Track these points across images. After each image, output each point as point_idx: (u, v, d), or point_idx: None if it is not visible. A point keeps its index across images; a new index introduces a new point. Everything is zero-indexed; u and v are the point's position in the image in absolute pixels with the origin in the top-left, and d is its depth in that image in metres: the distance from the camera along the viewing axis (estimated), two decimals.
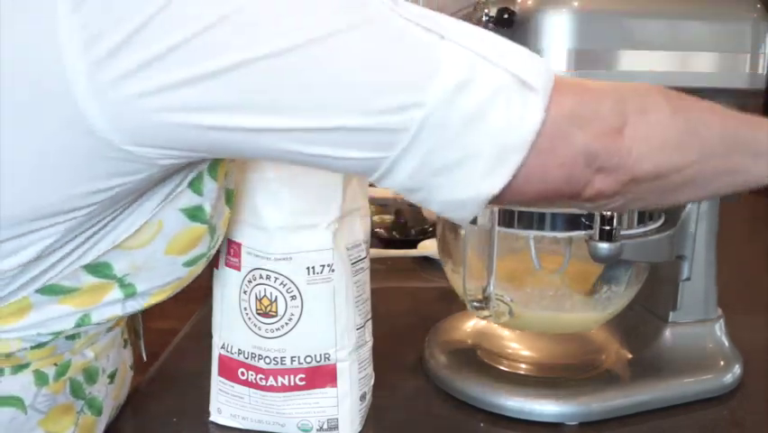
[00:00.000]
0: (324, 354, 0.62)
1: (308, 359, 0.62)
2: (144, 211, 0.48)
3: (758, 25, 0.66)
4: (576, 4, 0.62)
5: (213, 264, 0.64)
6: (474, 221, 0.59)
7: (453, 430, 0.67)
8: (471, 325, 0.81)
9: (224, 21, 0.37)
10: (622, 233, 0.61)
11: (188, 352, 0.80)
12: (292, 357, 0.61)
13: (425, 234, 1.24)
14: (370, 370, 0.67)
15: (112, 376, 0.60)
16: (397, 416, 0.67)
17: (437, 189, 0.42)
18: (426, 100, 0.38)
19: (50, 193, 0.42)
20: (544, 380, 0.70)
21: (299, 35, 0.37)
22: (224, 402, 0.65)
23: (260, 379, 0.62)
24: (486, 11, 0.64)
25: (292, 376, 0.62)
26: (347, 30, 0.38)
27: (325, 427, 0.63)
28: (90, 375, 0.56)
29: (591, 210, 0.61)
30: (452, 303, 0.81)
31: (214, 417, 0.66)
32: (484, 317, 0.64)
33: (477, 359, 0.74)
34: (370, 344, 0.66)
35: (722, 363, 0.73)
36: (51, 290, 0.48)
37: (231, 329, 0.63)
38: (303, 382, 0.62)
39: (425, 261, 1.16)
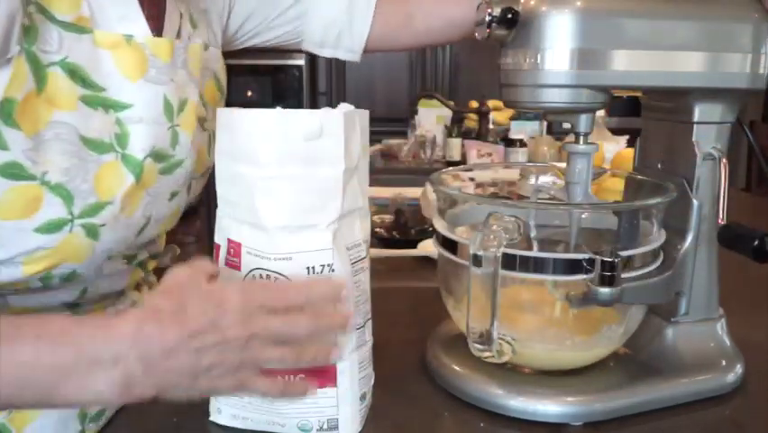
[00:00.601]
0: None
1: None
2: None
3: (759, 25, 0.66)
4: (579, 4, 0.62)
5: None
6: (478, 264, 0.59)
7: (454, 431, 0.67)
8: None
9: None
10: (622, 276, 0.61)
11: None
12: None
13: (425, 234, 1.24)
14: (370, 370, 0.67)
15: None
16: (398, 416, 0.67)
17: None
18: None
19: None
20: (546, 380, 0.69)
21: None
22: (224, 402, 0.65)
23: None
24: (489, 11, 0.64)
25: (292, 376, 0.61)
26: None
27: (325, 427, 0.63)
28: None
29: None
30: None
31: (214, 417, 0.66)
32: (486, 358, 0.64)
33: (478, 359, 0.73)
34: (369, 344, 0.66)
35: (724, 362, 0.73)
36: None
37: None
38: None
39: (425, 261, 1.16)
